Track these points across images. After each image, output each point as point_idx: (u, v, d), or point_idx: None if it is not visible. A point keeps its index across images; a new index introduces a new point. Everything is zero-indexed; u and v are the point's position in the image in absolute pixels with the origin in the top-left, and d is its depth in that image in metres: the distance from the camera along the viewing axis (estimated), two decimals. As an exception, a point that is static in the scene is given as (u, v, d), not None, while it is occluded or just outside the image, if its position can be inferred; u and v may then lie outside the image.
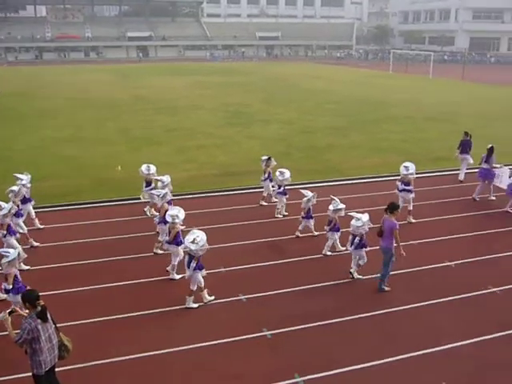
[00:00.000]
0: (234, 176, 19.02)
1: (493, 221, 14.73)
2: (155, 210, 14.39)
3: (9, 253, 9.19)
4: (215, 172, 19.72)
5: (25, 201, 13.62)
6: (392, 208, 10.34)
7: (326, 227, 12.41)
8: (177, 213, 10.90)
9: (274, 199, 15.64)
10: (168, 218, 10.97)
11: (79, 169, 20.06)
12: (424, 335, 9.20)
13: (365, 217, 11.03)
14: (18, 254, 9.41)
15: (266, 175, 15.69)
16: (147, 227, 13.94)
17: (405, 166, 14.28)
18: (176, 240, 10.95)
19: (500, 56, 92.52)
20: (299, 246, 12.93)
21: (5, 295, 9.51)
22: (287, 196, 14.90)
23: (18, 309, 7.23)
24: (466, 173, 18.56)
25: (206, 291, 10.22)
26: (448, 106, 36.80)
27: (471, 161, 18.21)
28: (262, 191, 16.12)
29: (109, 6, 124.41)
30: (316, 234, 13.42)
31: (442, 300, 10.37)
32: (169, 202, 12.72)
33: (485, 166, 16.37)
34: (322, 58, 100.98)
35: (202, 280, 9.97)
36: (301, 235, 13.49)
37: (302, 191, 13.46)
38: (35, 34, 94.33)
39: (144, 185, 15.19)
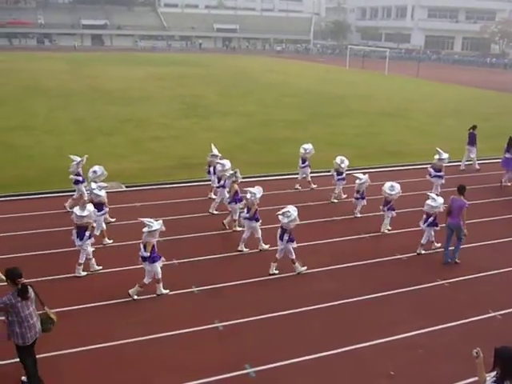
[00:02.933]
0: (189, 168, 18.78)
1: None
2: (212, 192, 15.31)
3: (152, 223, 9.70)
4: (171, 164, 19.46)
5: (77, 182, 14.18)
6: (462, 189, 11.71)
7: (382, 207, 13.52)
8: (256, 191, 11.82)
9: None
10: (248, 195, 11.82)
11: (28, 159, 19.44)
12: (378, 325, 9.30)
13: (440, 199, 11.97)
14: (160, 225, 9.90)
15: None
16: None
17: (438, 153, 15.77)
18: (255, 216, 11.83)
19: (454, 54, 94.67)
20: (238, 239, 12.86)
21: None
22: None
23: None
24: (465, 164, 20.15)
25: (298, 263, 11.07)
26: (402, 102, 37.46)
27: (474, 154, 19.86)
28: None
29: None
30: (359, 215, 14.54)
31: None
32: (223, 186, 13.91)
33: (507, 155, 18.01)
34: (279, 52, 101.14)
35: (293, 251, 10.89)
36: (359, 215, 14.52)
37: (356, 174, 14.38)
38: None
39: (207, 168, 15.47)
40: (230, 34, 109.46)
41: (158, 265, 9.87)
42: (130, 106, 31.43)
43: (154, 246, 9.78)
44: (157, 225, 9.77)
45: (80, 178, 14.26)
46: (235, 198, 13.15)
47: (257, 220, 11.93)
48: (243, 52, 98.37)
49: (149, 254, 9.71)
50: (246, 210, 12.03)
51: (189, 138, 23.70)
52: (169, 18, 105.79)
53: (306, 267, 11.18)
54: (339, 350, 8.60)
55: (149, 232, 9.70)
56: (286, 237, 10.66)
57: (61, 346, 8.34)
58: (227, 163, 14.09)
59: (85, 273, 10.83)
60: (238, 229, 13.27)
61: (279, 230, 10.81)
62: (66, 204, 14.28)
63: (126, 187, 16.68)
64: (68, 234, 11.01)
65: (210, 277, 10.85)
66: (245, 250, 12.23)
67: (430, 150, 17.62)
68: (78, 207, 10.75)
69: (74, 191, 14.53)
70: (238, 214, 13.20)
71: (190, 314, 9.54)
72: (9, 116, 27.28)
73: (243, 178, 15.19)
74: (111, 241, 12.44)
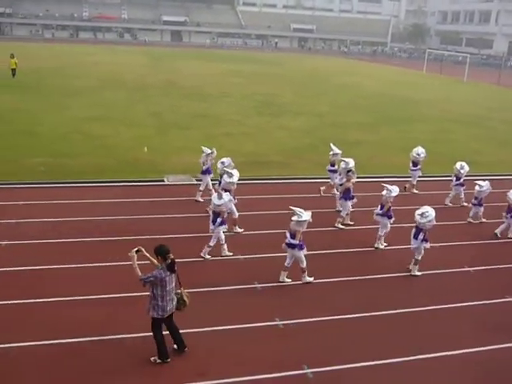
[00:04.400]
0: (259, 165, 18.96)
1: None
2: (335, 188, 15.12)
3: (302, 213, 10.13)
4: (241, 160, 19.64)
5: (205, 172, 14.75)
6: None
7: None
8: (392, 188, 12.17)
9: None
10: (384, 192, 12.21)
11: (106, 148, 20.23)
12: (441, 337, 9.09)
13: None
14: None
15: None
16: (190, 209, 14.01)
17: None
18: (388, 213, 12.18)
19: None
20: (322, 239, 12.84)
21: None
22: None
23: (142, 249, 7.78)
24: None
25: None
26: (479, 109, 36.19)
27: None
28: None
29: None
30: (484, 220, 14.57)
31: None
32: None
33: None
34: (355, 53, 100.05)
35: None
36: (474, 221, 14.59)
37: (478, 182, 14.46)
38: (73, 13, 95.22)
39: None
40: (306, 34, 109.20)
41: (303, 253, 10.32)
42: (205, 102, 32.02)
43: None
44: (306, 216, 10.14)
45: (205, 168, 14.81)
46: (347, 196, 13.37)
47: (389, 217, 12.27)
48: (319, 52, 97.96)
49: (298, 242, 10.17)
50: (379, 207, 12.40)
51: (260, 135, 23.90)
52: (246, 16, 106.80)
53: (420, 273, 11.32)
54: (402, 359, 8.44)
55: (297, 221, 10.08)
56: (421, 236, 10.89)
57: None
58: (351, 161, 14.22)
59: (209, 256, 11.39)
60: (341, 226, 13.66)
61: (414, 229, 11.06)
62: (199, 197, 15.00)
63: (196, 180, 17.02)
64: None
65: (274, 275, 10.91)
66: (381, 246, 12.63)
67: (509, 161, 17.00)
68: (215, 195, 11.43)
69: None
70: (346, 212, 13.63)
71: (250, 310, 9.63)
72: (90, 107, 28.43)
73: (311, 178, 15.28)
74: (242, 229, 12.99)
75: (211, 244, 11.41)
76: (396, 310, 9.89)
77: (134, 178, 16.62)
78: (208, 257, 11.43)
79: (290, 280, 10.65)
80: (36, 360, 7.96)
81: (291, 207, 10.38)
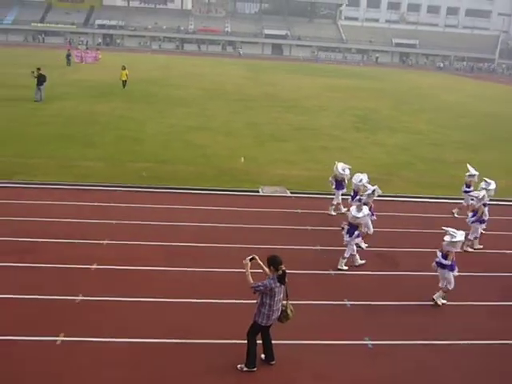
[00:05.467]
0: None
1: None
2: (471, 210, 13.81)
3: (456, 234, 10.15)
4: (335, 174, 19.63)
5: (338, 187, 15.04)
6: None
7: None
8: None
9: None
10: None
11: (205, 157, 20.89)
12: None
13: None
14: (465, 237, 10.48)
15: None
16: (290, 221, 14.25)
17: None
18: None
19: None
20: (413, 261, 12.57)
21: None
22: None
23: (256, 257, 7.99)
24: None
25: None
26: None
27: None
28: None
29: (250, 3, 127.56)
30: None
31: None
32: (484, 205, 13.24)
33: None
34: (459, 69, 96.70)
35: None
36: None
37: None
38: (179, 26, 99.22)
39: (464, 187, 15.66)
40: (408, 49, 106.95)
41: (453, 274, 10.29)
42: (303, 115, 32.23)
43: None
44: (460, 236, 10.09)
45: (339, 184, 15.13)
46: (480, 219, 13.18)
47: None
48: (420, 68, 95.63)
49: (449, 263, 10.15)
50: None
51: (356, 150, 23.70)
52: (348, 30, 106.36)
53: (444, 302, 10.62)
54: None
55: (450, 242, 10.06)
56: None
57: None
58: (492, 183, 13.89)
59: (346, 267, 11.72)
60: (479, 246, 13.43)
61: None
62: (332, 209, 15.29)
63: (291, 193, 17.19)
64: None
65: (365, 293, 10.80)
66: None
67: None
68: (354, 207, 11.71)
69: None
70: (476, 235, 13.33)
71: (339, 327, 9.57)
72: (192, 116, 29.49)
73: (401, 196, 14.95)
74: (366, 245, 12.98)
75: (346, 255, 11.67)
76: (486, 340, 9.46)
77: (230, 187, 17.04)
78: (345, 267, 11.69)
79: (445, 301, 10.50)
80: (118, 356, 8.34)
81: (444, 227, 10.32)
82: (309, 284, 11.00)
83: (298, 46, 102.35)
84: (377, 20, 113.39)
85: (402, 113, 36.48)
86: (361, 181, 13.65)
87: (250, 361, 8.06)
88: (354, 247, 11.76)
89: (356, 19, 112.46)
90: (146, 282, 10.69)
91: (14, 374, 7.77)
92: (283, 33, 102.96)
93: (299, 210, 15.43)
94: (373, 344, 9.05)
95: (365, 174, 14.01)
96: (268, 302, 7.78)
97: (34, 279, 10.47)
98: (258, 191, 17.05)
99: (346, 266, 11.74)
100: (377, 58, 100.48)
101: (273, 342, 8.28)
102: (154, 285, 10.55)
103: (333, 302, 10.40)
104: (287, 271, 7.79)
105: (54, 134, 22.75)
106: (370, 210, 12.16)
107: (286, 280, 7.83)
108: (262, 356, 8.30)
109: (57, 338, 8.59)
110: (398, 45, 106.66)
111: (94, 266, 11.12)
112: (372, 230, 12.85)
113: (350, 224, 11.61)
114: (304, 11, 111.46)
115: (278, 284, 7.74)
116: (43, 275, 10.70)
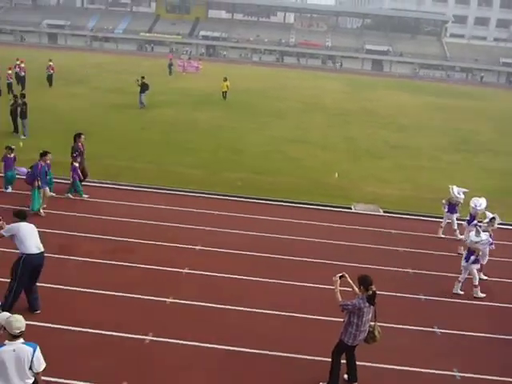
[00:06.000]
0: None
1: None
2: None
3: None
4: (432, 196, 19.01)
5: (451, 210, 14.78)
6: None
7: None
8: None
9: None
10: None
11: (300, 169, 21.03)
12: None
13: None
14: None
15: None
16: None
17: None
18: None
19: None
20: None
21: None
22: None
23: (346, 275, 7.95)
24: None
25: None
26: None
27: None
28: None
29: (352, 18, 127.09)
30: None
31: None
32: None
33: None
34: None
35: None
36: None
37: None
38: (280, 39, 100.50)
39: None
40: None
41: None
42: (401, 133, 31.55)
43: None
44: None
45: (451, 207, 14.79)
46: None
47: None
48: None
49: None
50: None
51: (455, 172, 22.83)
52: (452, 48, 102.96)
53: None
54: None
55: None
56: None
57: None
58: None
59: (483, 295, 11.50)
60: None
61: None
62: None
63: (384, 212, 16.86)
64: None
65: (457, 321, 10.40)
66: None
67: None
68: (473, 232, 11.61)
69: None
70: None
71: (426, 354, 9.26)
72: (290, 128, 29.78)
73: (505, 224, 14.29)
74: (486, 277, 12.46)
75: (460, 279, 11.50)
76: None
77: (323, 202, 16.99)
78: (461, 292, 11.50)
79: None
80: (202, 360, 8.55)
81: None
82: (398, 307, 10.76)
83: (398, 62, 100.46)
84: (484, 38, 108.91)
85: (507, 135, 34.74)
86: (480, 205, 13.23)
87: (333, 380, 7.99)
88: (477, 275, 11.46)
89: (462, 36, 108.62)
90: (234, 290, 10.91)
91: (104, 367, 8.16)
92: (384, 48, 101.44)
93: (392, 230, 15.12)
94: (461, 376, 8.71)
95: (483, 198, 13.52)
96: (355, 321, 7.67)
97: (128, 278, 11.01)
98: (350, 208, 16.89)
99: (461, 291, 11.51)
100: (481, 77, 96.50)
101: (357, 362, 8.17)
102: (241, 293, 10.75)
103: (422, 327, 10.10)
104: (381, 292, 7.67)
105: (155, 140, 23.77)
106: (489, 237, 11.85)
107: (376, 301, 7.71)
108: (346, 376, 8.21)
109: (146, 337, 8.96)
110: (505, 64, 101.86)
111: (186, 270, 11.48)
112: (487, 259, 12.29)
113: (468, 249, 11.46)
114: (407, 27, 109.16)
115: (367, 304, 7.64)
116: (137, 275, 11.22)
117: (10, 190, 15.51)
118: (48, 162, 14.25)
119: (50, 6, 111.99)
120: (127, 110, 31.21)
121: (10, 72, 33.99)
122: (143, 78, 32.39)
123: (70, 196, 15.51)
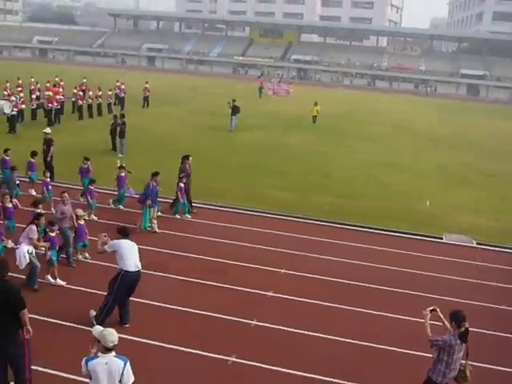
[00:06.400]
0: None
1: None
2: None
3: None
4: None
5: None
6: None
7: None
8: None
9: None
10: None
11: (389, 194, 20.67)
12: None
13: None
14: None
15: None
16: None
17: None
18: None
19: None
20: None
21: None
22: None
23: (438, 309, 7.60)
24: None
25: None
26: None
27: None
28: None
29: (448, 42, 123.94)
30: None
31: None
32: None
33: None
34: None
35: None
36: None
37: None
38: (373, 63, 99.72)
39: None
40: None
41: None
42: (497, 162, 30.04)
43: None
44: None
45: None
46: None
47: None
48: None
49: None
50: None
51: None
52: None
53: None
54: None
55: None
56: None
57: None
58: None
59: None
60: None
61: None
62: None
63: (478, 244, 16.17)
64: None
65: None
66: None
67: None
68: None
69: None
70: None
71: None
72: (380, 152, 29.44)
73: None
74: None
75: None
76: None
77: (413, 231, 16.56)
78: None
79: None
80: None
81: None
82: (491, 345, 10.22)
83: (495, 86, 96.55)
84: None
85: None
86: None
87: None
88: None
89: None
90: (318, 316, 10.82)
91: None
92: (481, 73, 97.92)
93: (486, 264, 14.46)
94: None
95: None
96: (445, 358, 7.31)
97: (217, 298, 11.22)
98: (441, 238, 16.34)
99: None
100: None
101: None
102: (324, 320, 10.66)
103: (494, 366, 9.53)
104: (477, 329, 7.35)
105: (245, 163, 24.19)
106: None
107: (468, 338, 7.35)
108: None
109: (229, 358, 9.06)
110: None
111: (270, 294, 11.55)
112: None
113: None
114: (506, 50, 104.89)
115: (459, 342, 7.24)
116: (225, 296, 11.41)
117: (121, 207, 16.27)
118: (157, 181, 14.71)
119: (150, 31, 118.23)
120: (219, 132, 32.05)
121: (110, 93, 36.00)
122: (234, 100, 33.17)
123: (177, 216, 16.08)
